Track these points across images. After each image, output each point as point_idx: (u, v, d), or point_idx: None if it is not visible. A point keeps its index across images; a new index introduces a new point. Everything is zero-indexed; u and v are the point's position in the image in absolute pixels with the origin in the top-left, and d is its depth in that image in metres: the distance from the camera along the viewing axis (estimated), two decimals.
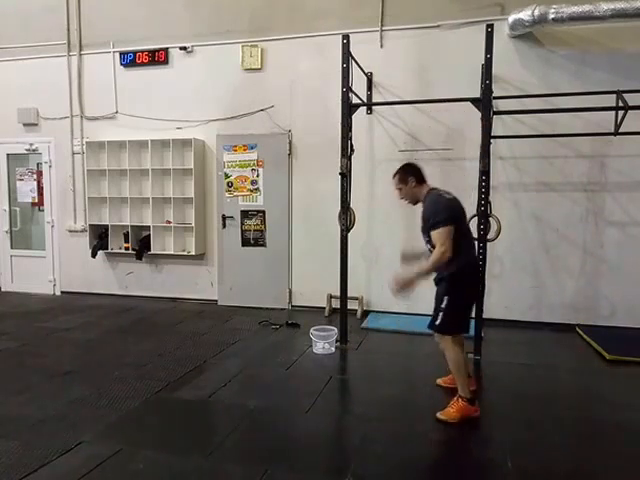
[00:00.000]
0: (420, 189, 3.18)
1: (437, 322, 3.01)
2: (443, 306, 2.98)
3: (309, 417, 2.99)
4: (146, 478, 2.34)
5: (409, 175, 3.20)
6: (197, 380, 3.57)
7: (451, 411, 2.91)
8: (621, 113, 4.10)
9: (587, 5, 4.42)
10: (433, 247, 2.97)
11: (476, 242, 4.25)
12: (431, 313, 3.09)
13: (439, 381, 3.49)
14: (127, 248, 6.14)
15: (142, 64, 6.04)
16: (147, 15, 5.99)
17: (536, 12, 4.56)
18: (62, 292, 6.62)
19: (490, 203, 4.17)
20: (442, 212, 2.95)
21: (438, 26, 5.14)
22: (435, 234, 2.92)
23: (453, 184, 5.11)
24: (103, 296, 6.38)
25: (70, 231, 6.49)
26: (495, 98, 4.33)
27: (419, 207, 3.38)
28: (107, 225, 6.20)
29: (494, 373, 3.74)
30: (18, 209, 6.72)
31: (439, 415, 2.92)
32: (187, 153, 5.91)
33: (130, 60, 6.07)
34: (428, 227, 3.00)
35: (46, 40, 6.28)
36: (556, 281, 5.03)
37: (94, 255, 6.28)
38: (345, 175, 4.24)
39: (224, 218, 5.88)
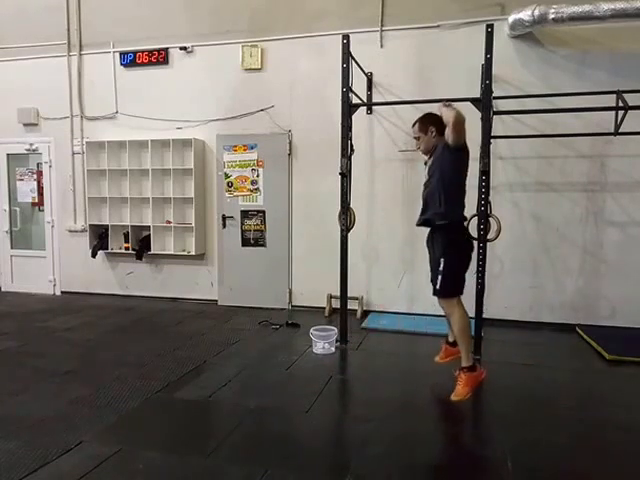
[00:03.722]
0: (439, 140, 3.18)
1: (438, 286, 3.02)
2: (441, 269, 3.00)
3: (309, 417, 2.99)
4: (146, 478, 2.34)
5: (430, 125, 3.20)
6: (197, 380, 3.57)
7: (460, 388, 2.92)
8: (621, 113, 4.10)
9: (587, 5, 4.42)
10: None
11: (476, 242, 4.27)
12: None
13: (437, 359, 3.57)
14: (127, 248, 6.14)
15: (142, 64, 6.04)
16: (147, 15, 5.99)
17: (536, 12, 4.56)
18: (62, 292, 6.62)
19: (490, 203, 4.16)
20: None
21: (438, 26, 5.14)
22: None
23: None
24: (103, 296, 6.38)
25: (70, 231, 6.49)
26: (495, 98, 4.32)
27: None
28: (107, 225, 6.20)
29: (494, 373, 3.72)
30: (18, 209, 6.72)
31: (453, 398, 2.95)
32: (187, 153, 5.91)
33: (130, 60, 6.08)
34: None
35: (46, 40, 6.28)
36: (556, 281, 5.03)
37: (94, 255, 6.28)
38: (345, 175, 4.24)
39: (224, 218, 5.88)
